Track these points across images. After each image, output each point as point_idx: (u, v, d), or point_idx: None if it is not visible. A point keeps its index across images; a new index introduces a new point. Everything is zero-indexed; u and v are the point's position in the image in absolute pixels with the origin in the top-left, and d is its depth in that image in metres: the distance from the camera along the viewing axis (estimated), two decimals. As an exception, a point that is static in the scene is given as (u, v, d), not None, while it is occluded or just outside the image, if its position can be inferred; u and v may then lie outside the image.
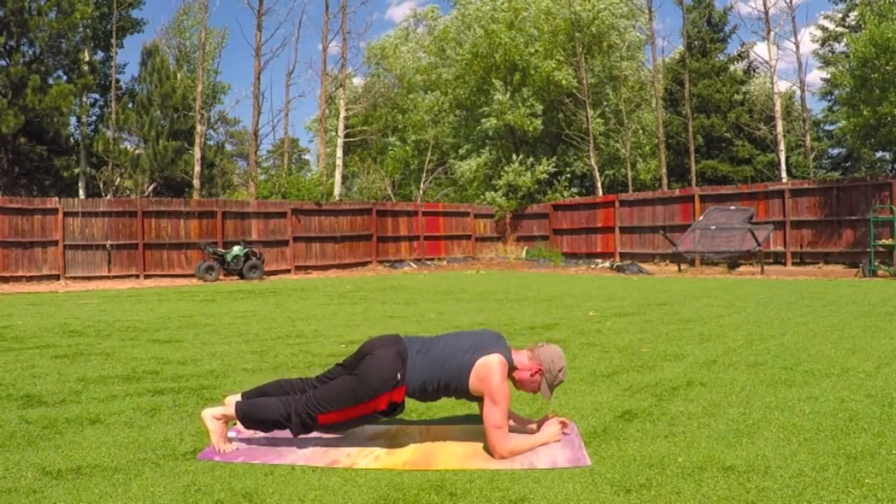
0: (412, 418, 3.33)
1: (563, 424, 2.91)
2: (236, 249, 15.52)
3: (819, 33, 29.21)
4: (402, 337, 2.93)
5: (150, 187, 23.45)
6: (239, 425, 2.96)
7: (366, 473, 2.53)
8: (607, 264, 18.26)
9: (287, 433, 3.07)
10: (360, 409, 2.76)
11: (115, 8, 24.16)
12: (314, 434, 3.03)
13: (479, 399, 2.84)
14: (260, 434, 3.02)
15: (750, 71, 28.86)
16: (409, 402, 3.56)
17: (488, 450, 2.74)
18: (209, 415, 2.86)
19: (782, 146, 22.12)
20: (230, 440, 2.89)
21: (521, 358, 2.89)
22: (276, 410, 2.82)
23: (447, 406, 3.53)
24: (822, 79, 31.07)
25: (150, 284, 14.58)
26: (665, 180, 22.38)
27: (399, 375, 2.76)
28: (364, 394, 2.74)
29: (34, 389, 3.94)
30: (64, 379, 4.24)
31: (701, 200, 17.62)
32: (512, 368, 2.85)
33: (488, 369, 2.74)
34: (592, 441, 2.86)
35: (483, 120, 24.57)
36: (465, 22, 26.28)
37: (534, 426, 3.02)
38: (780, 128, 22.15)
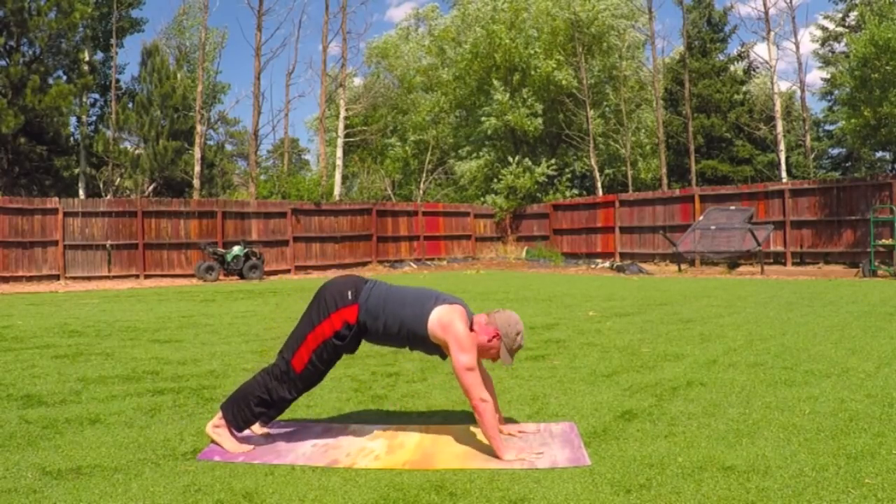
0: (412, 418, 3.33)
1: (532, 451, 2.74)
2: (236, 249, 15.51)
3: (819, 33, 29.21)
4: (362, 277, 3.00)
5: (150, 187, 23.45)
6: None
7: (366, 473, 2.53)
8: (607, 264, 18.26)
9: (286, 431, 3.07)
10: (318, 333, 2.77)
11: (115, 8, 24.15)
12: (314, 433, 3.03)
13: (439, 351, 2.83)
14: (258, 434, 3.02)
15: (750, 71, 28.86)
16: (408, 402, 3.57)
17: (488, 450, 2.74)
18: (211, 428, 2.87)
19: (782, 146, 22.12)
20: (244, 439, 2.90)
21: (480, 320, 2.87)
22: (255, 385, 2.85)
23: (447, 406, 3.53)
24: (822, 79, 31.10)
25: (150, 284, 14.58)
26: (665, 180, 22.38)
27: (350, 294, 2.80)
28: (317, 315, 2.79)
29: (34, 389, 3.94)
30: (64, 379, 4.24)
31: (701, 200, 17.62)
32: (471, 323, 2.83)
33: (451, 316, 2.74)
34: (592, 441, 2.86)
35: (483, 119, 24.57)
36: (465, 22, 26.28)
37: (517, 430, 3.01)
38: (780, 128, 22.14)
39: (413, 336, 2.80)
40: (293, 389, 2.84)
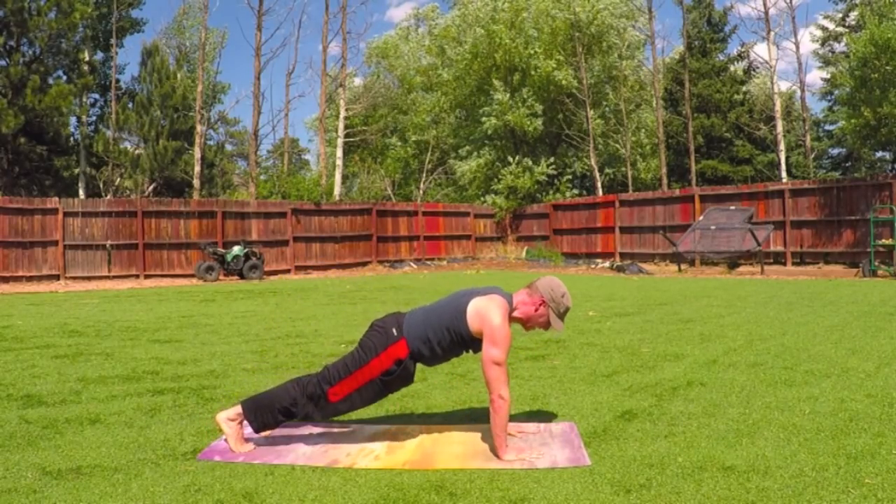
0: (412, 418, 3.33)
1: (523, 450, 2.75)
2: (236, 249, 15.51)
3: (819, 33, 29.22)
4: (402, 312, 2.99)
5: (150, 187, 23.45)
6: (248, 429, 2.94)
7: (366, 473, 2.53)
8: (607, 264, 18.26)
9: (286, 431, 3.07)
10: (365, 371, 2.76)
11: (115, 8, 24.16)
12: (314, 433, 3.03)
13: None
14: (259, 434, 3.01)
15: (750, 71, 28.86)
16: (408, 402, 3.57)
17: (490, 449, 2.74)
18: (224, 417, 2.85)
19: (782, 146, 22.12)
20: (247, 440, 2.89)
21: (521, 296, 2.89)
22: (284, 396, 2.82)
23: (447, 406, 3.53)
24: (822, 79, 31.10)
25: (150, 284, 14.58)
26: (665, 180, 22.38)
27: (395, 331, 2.79)
28: (365, 354, 2.77)
29: (34, 389, 3.94)
30: (64, 379, 4.24)
31: (701, 200, 17.62)
32: (513, 310, 2.85)
33: (488, 306, 2.74)
34: (592, 441, 2.86)
35: (483, 120, 24.57)
36: (465, 21, 26.28)
37: (523, 431, 3.02)
38: (780, 128, 22.14)
39: (462, 338, 2.80)
40: (323, 413, 2.85)
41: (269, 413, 2.82)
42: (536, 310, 2.85)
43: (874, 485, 2.29)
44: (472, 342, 2.80)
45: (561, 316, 2.87)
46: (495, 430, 2.68)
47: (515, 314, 2.86)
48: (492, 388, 2.68)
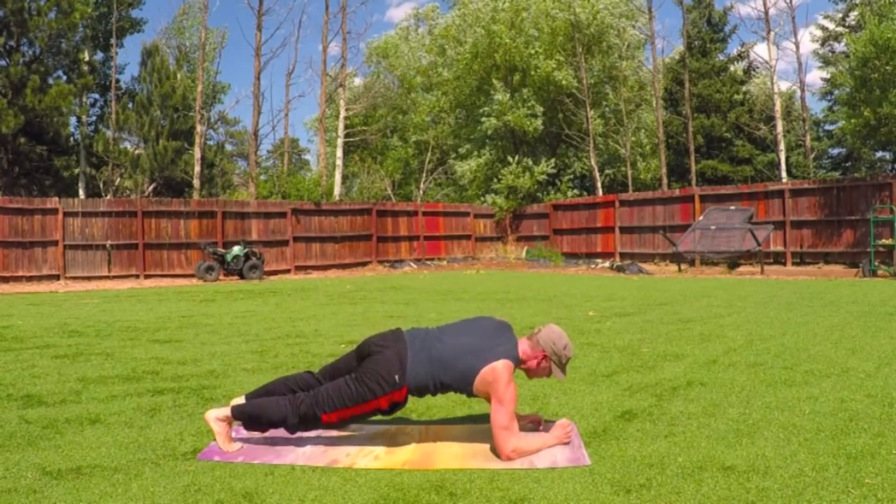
0: (412, 418, 3.33)
1: (566, 426, 2.86)
2: (236, 249, 15.51)
3: (819, 33, 29.24)
4: (403, 333, 2.91)
5: (150, 187, 23.45)
6: (240, 427, 2.96)
7: (366, 473, 2.53)
8: (607, 264, 18.26)
9: (286, 431, 3.07)
10: (362, 406, 2.78)
11: (115, 8, 24.17)
12: (314, 434, 3.03)
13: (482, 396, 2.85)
14: (259, 434, 3.01)
15: (750, 71, 28.87)
16: (409, 402, 3.57)
17: (491, 449, 2.74)
18: (213, 416, 2.86)
19: (782, 146, 22.12)
20: (235, 440, 2.89)
21: (524, 347, 2.90)
22: (275, 412, 2.82)
23: (447, 406, 3.53)
24: (822, 79, 31.11)
25: (150, 284, 14.58)
26: (665, 180, 22.38)
27: (397, 378, 2.75)
28: (363, 395, 2.76)
29: (34, 389, 3.94)
30: (64, 379, 4.24)
31: (701, 200, 17.62)
32: (521, 362, 2.87)
33: (495, 374, 2.73)
34: (592, 441, 2.86)
35: (483, 120, 24.57)
36: (465, 21, 26.29)
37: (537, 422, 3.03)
38: (780, 128, 22.14)
39: (452, 389, 2.85)
40: (313, 430, 2.90)
41: (256, 421, 2.86)
42: (539, 364, 2.88)
43: (874, 485, 2.29)
44: (468, 394, 2.85)
45: (562, 367, 2.91)
46: (534, 452, 2.70)
47: (521, 367, 2.90)
48: (500, 450, 2.68)
